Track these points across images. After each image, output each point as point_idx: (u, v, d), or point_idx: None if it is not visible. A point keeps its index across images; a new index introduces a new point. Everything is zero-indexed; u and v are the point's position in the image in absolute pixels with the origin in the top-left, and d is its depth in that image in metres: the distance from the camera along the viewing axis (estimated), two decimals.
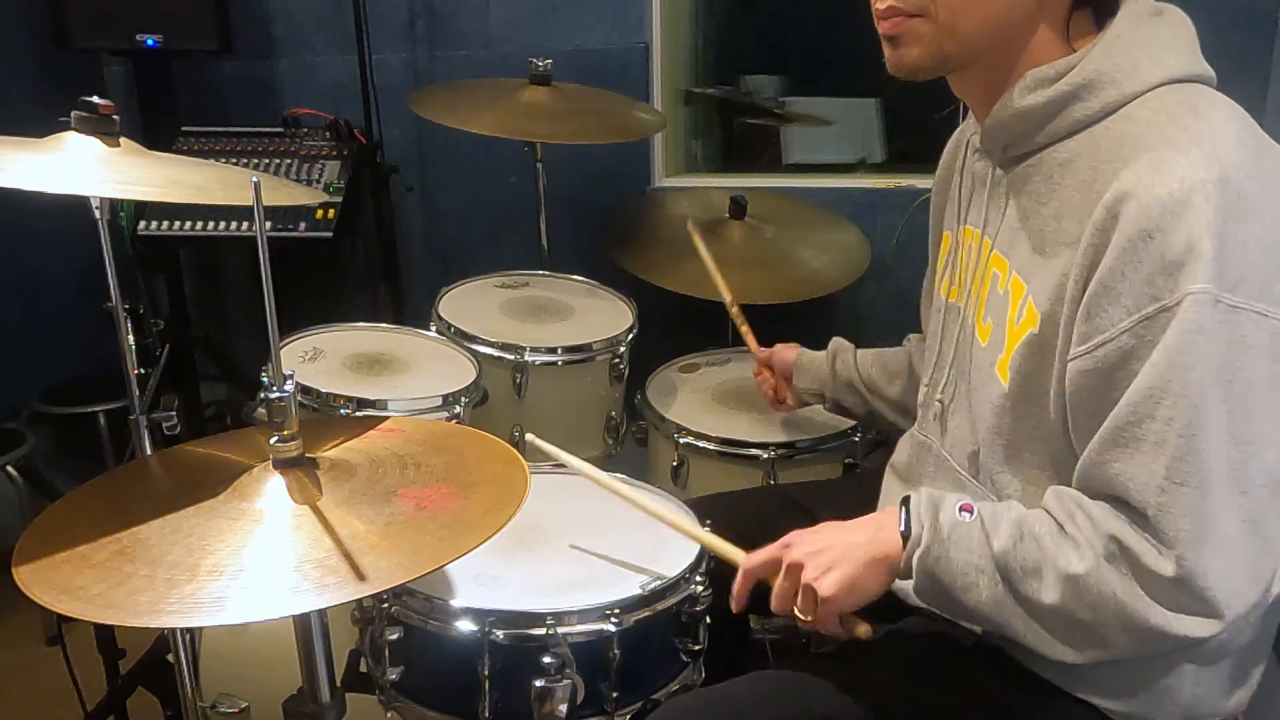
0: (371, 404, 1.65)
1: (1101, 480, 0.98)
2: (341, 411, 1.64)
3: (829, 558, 1.06)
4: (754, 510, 1.45)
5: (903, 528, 1.06)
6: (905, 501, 1.08)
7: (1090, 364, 0.97)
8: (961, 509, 1.04)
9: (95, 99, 1.14)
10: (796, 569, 1.08)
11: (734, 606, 1.15)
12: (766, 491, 1.61)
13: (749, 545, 1.17)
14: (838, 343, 1.65)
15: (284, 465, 1.01)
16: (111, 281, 1.33)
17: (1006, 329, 1.08)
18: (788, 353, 1.71)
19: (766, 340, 2.04)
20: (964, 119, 1.28)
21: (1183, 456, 0.92)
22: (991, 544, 1.01)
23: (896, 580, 1.09)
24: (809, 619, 1.09)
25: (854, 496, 1.38)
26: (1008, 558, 1.00)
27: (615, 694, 1.19)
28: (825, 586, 1.05)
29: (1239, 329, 0.91)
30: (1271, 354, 0.93)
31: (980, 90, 1.09)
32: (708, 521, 1.31)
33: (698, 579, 1.25)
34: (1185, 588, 0.93)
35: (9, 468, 2.46)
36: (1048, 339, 1.02)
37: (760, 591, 1.15)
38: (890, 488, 1.35)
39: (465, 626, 1.17)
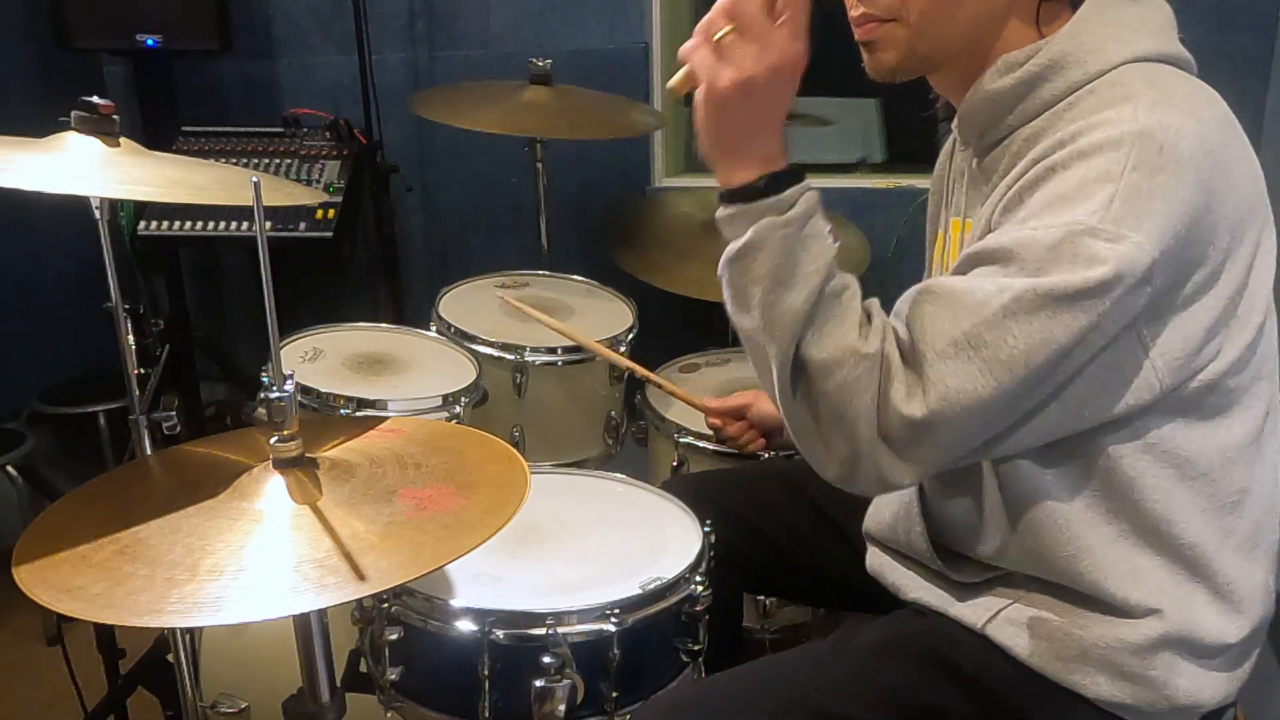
0: (371, 404, 1.65)
1: (910, 312, 0.97)
2: (341, 411, 1.64)
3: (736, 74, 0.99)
4: (751, 493, 1.45)
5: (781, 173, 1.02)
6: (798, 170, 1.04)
7: (969, 249, 0.98)
8: (828, 233, 1.00)
9: (95, 99, 1.14)
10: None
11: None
12: (762, 471, 1.61)
13: (748, 528, 1.26)
14: None
15: (284, 465, 1.01)
16: (111, 281, 1.33)
17: None
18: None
19: None
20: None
21: (992, 326, 0.91)
22: (817, 256, 0.97)
23: (889, 564, 1.12)
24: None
25: None
26: (806, 270, 0.96)
27: (615, 694, 1.19)
28: (723, 78, 0.98)
29: (1096, 262, 0.89)
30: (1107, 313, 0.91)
31: (958, 85, 1.11)
32: (708, 523, 1.32)
33: (698, 579, 1.25)
34: (917, 434, 0.93)
35: (9, 468, 2.47)
36: None
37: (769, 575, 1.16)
38: None
39: (465, 626, 1.17)
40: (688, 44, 1.00)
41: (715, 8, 0.98)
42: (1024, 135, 1.05)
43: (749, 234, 0.98)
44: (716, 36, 0.98)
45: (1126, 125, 0.92)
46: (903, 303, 0.99)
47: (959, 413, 0.92)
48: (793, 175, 1.02)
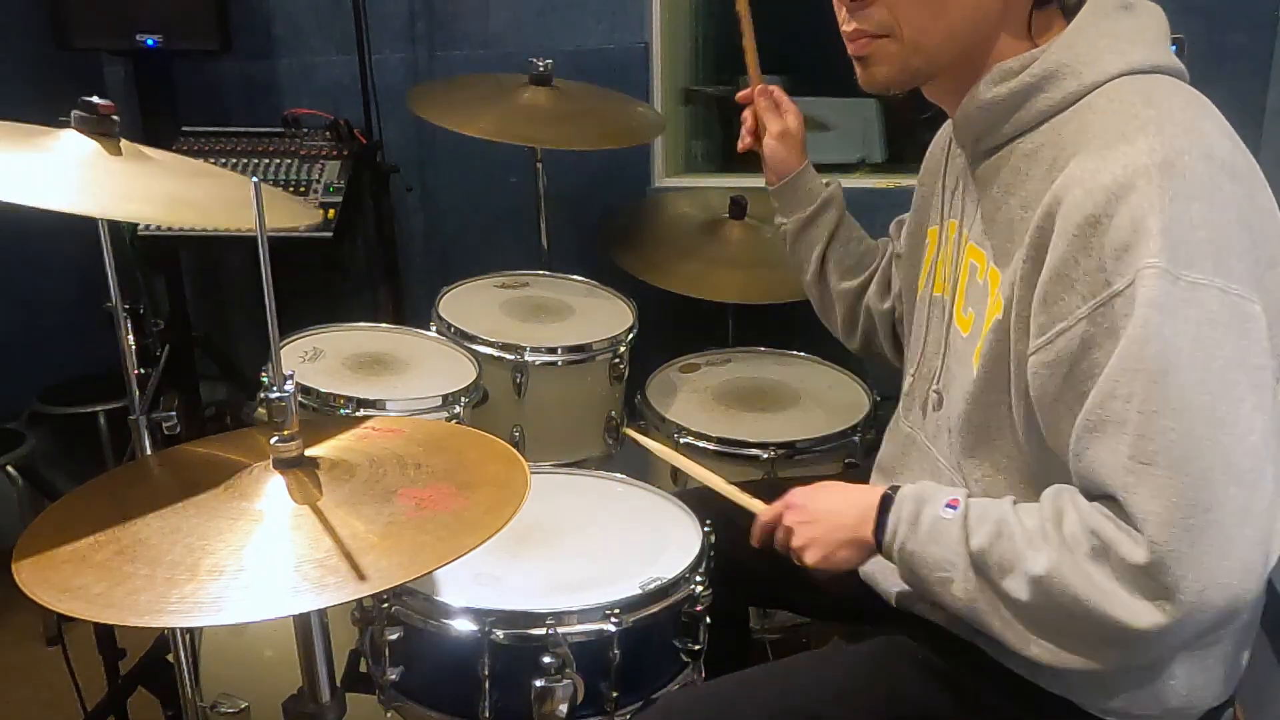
0: (371, 404, 1.65)
1: (1082, 473, 0.97)
2: (341, 411, 1.64)
3: (814, 532, 1.17)
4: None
5: (877, 525, 1.10)
6: (892, 491, 1.10)
7: (1051, 355, 0.97)
8: (948, 504, 1.05)
9: (95, 99, 1.14)
10: (788, 533, 1.20)
11: (753, 541, 1.27)
12: (764, 486, 1.60)
13: (746, 539, 1.26)
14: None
15: (284, 465, 1.01)
16: (111, 281, 1.33)
17: (985, 318, 1.09)
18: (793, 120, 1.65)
19: (766, 341, 2.05)
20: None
21: (1145, 434, 0.90)
22: (969, 541, 1.01)
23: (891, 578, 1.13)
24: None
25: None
26: (984, 555, 1.00)
27: (615, 694, 1.19)
28: (808, 557, 1.17)
29: (1204, 306, 0.90)
30: (1238, 331, 0.91)
31: (951, 94, 1.12)
32: (708, 523, 1.32)
33: (698, 579, 1.25)
34: (1152, 575, 0.90)
35: (9, 468, 2.46)
36: (1006, 323, 1.04)
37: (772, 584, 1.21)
38: (878, 478, 1.35)
39: (465, 626, 1.17)
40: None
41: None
42: (1023, 149, 1.05)
43: (897, 566, 1.10)
44: None
45: (1142, 159, 0.92)
46: (1073, 461, 0.98)
47: (1182, 522, 0.90)
48: (887, 504, 1.10)
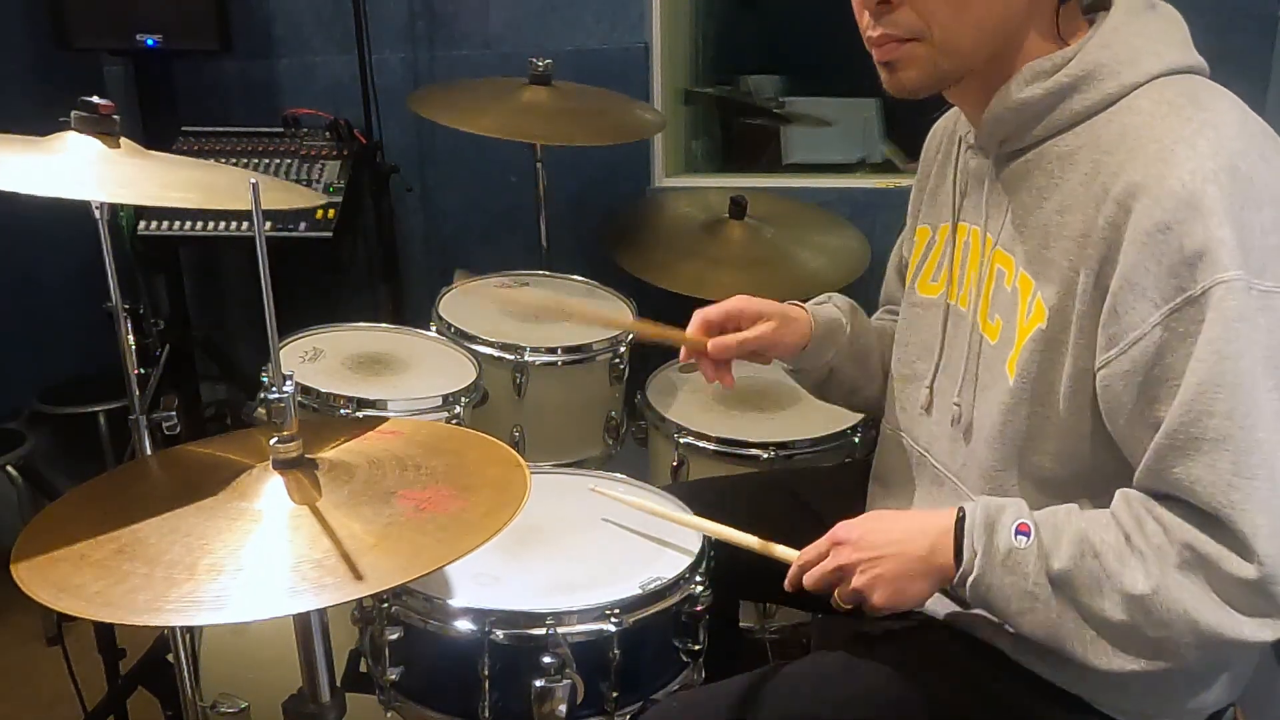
0: (371, 404, 1.65)
1: (1165, 487, 0.96)
2: (341, 412, 1.64)
3: (881, 569, 1.07)
4: (751, 499, 1.45)
5: (955, 553, 1.04)
6: (961, 519, 1.05)
7: (1126, 364, 0.95)
8: (1018, 530, 1.01)
9: (95, 99, 1.14)
10: (847, 570, 1.09)
11: (786, 586, 1.16)
12: (763, 480, 1.60)
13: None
14: (840, 301, 1.41)
15: (283, 466, 1.01)
16: (111, 281, 1.33)
17: (1016, 325, 1.07)
18: (758, 306, 1.32)
19: None
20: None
21: (1248, 450, 0.90)
22: (1050, 564, 0.99)
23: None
24: (847, 606, 1.10)
25: (852, 488, 1.38)
26: (1069, 576, 0.98)
27: (615, 694, 1.19)
28: (876, 596, 1.07)
29: (1276, 312, 0.91)
30: None
31: (976, 94, 1.09)
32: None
33: (698, 579, 1.25)
34: (1262, 589, 0.91)
35: (9, 468, 2.46)
36: (1057, 334, 1.02)
37: (768, 579, 1.17)
38: (875, 499, 1.35)
39: (465, 626, 1.17)
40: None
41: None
42: (1056, 152, 1.04)
43: (969, 598, 1.05)
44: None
45: (1208, 164, 0.91)
46: (1152, 479, 0.97)
47: None
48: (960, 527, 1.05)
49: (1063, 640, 1.01)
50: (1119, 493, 1.01)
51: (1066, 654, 1.01)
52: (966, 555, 1.03)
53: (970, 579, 1.03)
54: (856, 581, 1.08)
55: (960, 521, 1.04)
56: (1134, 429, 0.98)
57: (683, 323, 1.31)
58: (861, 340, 1.38)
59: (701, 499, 1.38)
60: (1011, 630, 1.06)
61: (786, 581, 1.16)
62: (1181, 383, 0.92)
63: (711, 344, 1.28)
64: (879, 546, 1.08)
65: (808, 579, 1.13)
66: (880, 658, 1.15)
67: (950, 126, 1.26)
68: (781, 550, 1.19)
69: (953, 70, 1.06)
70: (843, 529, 1.12)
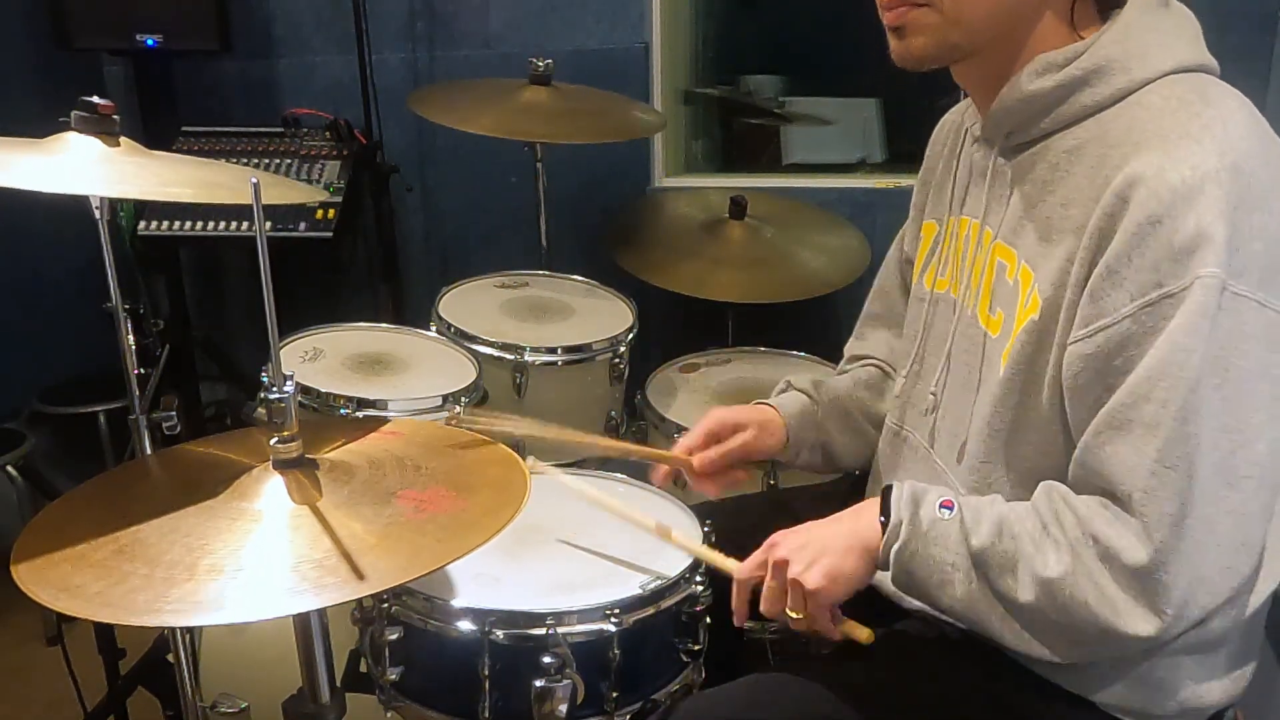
0: (371, 404, 1.65)
1: (1092, 466, 0.97)
2: (341, 412, 1.63)
3: (811, 551, 1.09)
4: (751, 518, 1.44)
5: (882, 517, 1.07)
6: (886, 492, 1.09)
7: (1090, 348, 0.97)
8: (942, 505, 1.05)
9: (95, 99, 1.14)
10: (782, 566, 1.10)
11: (736, 620, 1.17)
12: (764, 499, 1.60)
13: (746, 555, 1.17)
14: (799, 382, 1.44)
15: (284, 466, 1.01)
16: (111, 281, 1.33)
17: (1015, 319, 1.07)
18: (735, 414, 1.38)
19: (766, 341, 2.04)
20: (963, 98, 1.27)
21: (1176, 439, 0.91)
22: (969, 541, 1.02)
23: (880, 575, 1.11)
24: (800, 617, 1.10)
25: (853, 502, 1.38)
26: (985, 554, 1.01)
27: (615, 694, 1.19)
28: (810, 579, 1.07)
29: (1239, 316, 0.91)
30: (1267, 344, 0.93)
31: (984, 78, 1.09)
32: (708, 523, 1.31)
33: (698, 579, 1.25)
34: (1147, 576, 0.93)
35: (9, 468, 2.46)
36: (1047, 325, 1.03)
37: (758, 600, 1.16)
38: (873, 486, 1.35)
39: (465, 626, 1.17)
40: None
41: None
42: (1063, 145, 1.04)
43: (892, 570, 1.07)
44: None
45: (1212, 161, 0.92)
46: (1084, 453, 0.99)
47: (1193, 527, 0.92)
48: (887, 503, 1.08)
49: (978, 617, 1.03)
50: (1041, 485, 1.04)
51: (983, 631, 1.04)
52: (893, 523, 1.06)
53: (895, 546, 1.05)
54: (792, 571, 1.09)
55: (886, 493, 1.08)
56: (1082, 408, 0.99)
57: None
58: (838, 406, 1.42)
59: (706, 505, 1.38)
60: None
61: (733, 604, 1.16)
62: (1136, 367, 0.93)
63: (697, 460, 1.36)
64: (809, 534, 1.11)
65: (746, 578, 1.15)
66: (878, 658, 1.14)
67: (957, 120, 1.26)
68: (729, 563, 1.19)
69: (961, 42, 1.05)
70: (778, 535, 1.13)
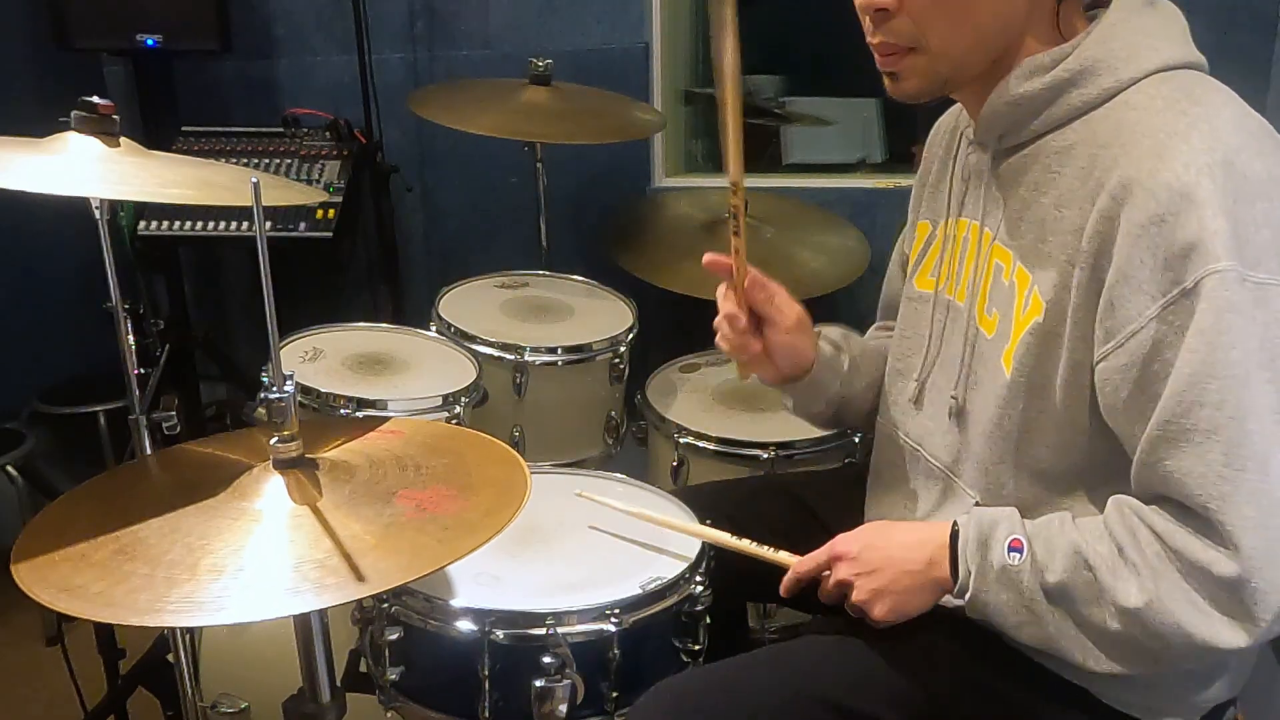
0: (371, 404, 1.65)
1: (1157, 481, 0.96)
2: (341, 411, 1.64)
3: (878, 582, 1.10)
4: (749, 501, 1.45)
5: (951, 569, 1.07)
6: (954, 537, 1.07)
7: (1123, 358, 0.96)
8: (1011, 547, 1.03)
9: (95, 99, 1.14)
10: (845, 585, 1.13)
11: (783, 591, 1.19)
12: (763, 482, 1.60)
13: (742, 534, 1.21)
14: (830, 332, 1.40)
15: (284, 466, 1.01)
16: (111, 281, 1.33)
17: (1013, 320, 1.07)
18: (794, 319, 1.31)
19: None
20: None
21: (1238, 441, 0.90)
22: (1045, 578, 1.00)
23: None
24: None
25: (851, 490, 1.38)
26: (1064, 589, 1.00)
27: (615, 694, 1.19)
28: (878, 612, 1.10)
29: (1270, 304, 0.91)
30: None
31: (977, 90, 1.10)
32: (708, 523, 1.31)
33: (698, 579, 1.25)
34: (1237, 587, 0.91)
35: (9, 468, 2.46)
36: (1053, 328, 1.02)
37: (771, 582, 1.19)
38: (872, 494, 1.34)
39: (465, 626, 1.17)
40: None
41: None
42: (1054, 146, 1.04)
43: (967, 611, 1.07)
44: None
45: (1202, 158, 0.91)
46: (1143, 470, 0.97)
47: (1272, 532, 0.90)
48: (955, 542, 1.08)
49: (1061, 648, 1.02)
50: (1111, 500, 1.02)
51: (1066, 660, 1.03)
52: (962, 573, 1.05)
53: (967, 596, 1.05)
54: (857, 596, 1.11)
55: (954, 537, 1.07)
56: (1131, 423, 0.98)
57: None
58: (868, 353, 1.39)
59: (700, 502, 1.38)
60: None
61: (782, 589, 1.18)
62: (1173, 373, 0.92)
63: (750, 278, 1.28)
64: (877, 561, 1.11)
65: (821, 595, 1.16)
66: (879, 645, 1.14)
67: (952, 123, 1.26)
68: (781, 555, 1.21)
69: (952, 76, 1.07)
70: (841, 542, 1.14)
